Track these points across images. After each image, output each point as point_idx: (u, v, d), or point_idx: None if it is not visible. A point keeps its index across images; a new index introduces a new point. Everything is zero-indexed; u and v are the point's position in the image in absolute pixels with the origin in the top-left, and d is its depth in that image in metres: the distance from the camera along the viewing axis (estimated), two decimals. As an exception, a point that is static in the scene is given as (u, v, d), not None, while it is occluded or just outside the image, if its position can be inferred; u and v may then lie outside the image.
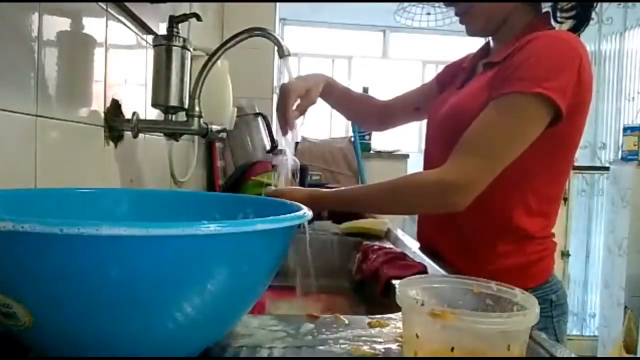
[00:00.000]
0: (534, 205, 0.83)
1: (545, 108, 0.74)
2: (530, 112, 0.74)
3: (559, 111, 0.74)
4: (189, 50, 0.86)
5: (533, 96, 0.73)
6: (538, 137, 0.76)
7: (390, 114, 1.14)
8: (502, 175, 0.75)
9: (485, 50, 0.96)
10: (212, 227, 0.33)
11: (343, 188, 0.87)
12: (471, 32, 0.90)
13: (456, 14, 0.90)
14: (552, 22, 0.87)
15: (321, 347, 0.47)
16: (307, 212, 0.45)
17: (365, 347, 0.48)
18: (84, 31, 0.73)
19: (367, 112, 1.16)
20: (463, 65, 1.00)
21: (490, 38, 0.94)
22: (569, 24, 0.88)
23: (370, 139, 2.44)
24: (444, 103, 0.92)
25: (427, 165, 0.96)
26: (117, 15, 0.83)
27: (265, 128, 1.79)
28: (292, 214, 0.42)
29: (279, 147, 0.95)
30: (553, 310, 0.84)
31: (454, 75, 1.01)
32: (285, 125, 0.91)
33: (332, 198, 0.86)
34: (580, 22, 0.87)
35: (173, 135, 0.92)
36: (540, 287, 0.84)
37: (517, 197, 0.82)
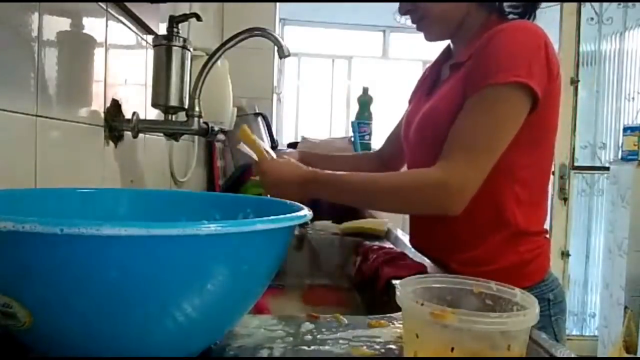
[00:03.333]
0: (522, 195, 0.83)
1: (523, 95, 0.75)
2: (509, 101, 0.76)
3: (535, 97, 0.76)
4: (189, 50, 0.86)
5: (509, 86, 0.75)
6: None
7: (389, 157, 1.12)
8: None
9: (446, 54, 0.97)
10: (212, 227, 0.33)
11: (338, 173, 0.84)
12: (429, 38, 0.92)
13: (412, 22, 0.91)
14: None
15: (321, 347, 0.47)
16: (307, 212, 0.45)
17: (365, 347, 0.48)
18: (84, 31, 0.73)
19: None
20: (426, 74, 1.01)
21: (449, 41, 0.95)
22: (513, 16, 0.89)
23: (370, 139, 2.43)
24: (416, 111, 0.93)
25: None
26: (117, 15, 0.83)
27: (265, 128, 1.79)
28: (292, 214, 0.42)
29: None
30: (551, 309, 0.85)
31: (420, 87, 1.03)
32: None
33: (326, 184, 0.83)
34: (526, 15, 0.88)
35: (173, 135, 0.92)
36: (536, 286, 0.84)
37: (505, 188, 0.82)
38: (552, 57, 0.78)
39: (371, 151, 1.14)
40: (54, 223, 0.30)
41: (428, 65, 1.03)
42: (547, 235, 0.90)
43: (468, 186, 0.75)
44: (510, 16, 0.88)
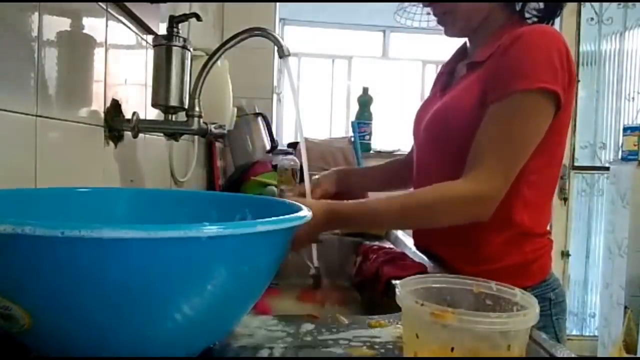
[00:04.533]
0: (530, 197, 0.83)
1: (549, 101, 0.76)
2: (536, 108, 0.76)
3: (559, 102, 0.76)
4: (189, 50, 0.86)
5: (535, 92, 0.75)
6: None
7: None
8: None
9: (462, 52, 0.97)
10: (214, 229, 0.33)
11: (362, 201, 0.81)
12: (450, 33, 0.91)
13: (435, 14, 0.90)
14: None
15: (321, 347, 0.47)
16: (307, 213, 0.45)
17: (365, 347, 0.48)
18: (84, 31, 0.73)
19: (399, 177, 1.10)
20: (440, 72, 1.01)
21: (465, 40, 0.95)
22: (533, 20, 0.89)
23: (370, 139, 2.43)
24: (428, 109, 0.92)
25: (419, 171, 0.96)
26: (117, 15, 0.82)
27: (265, 128, 1.79)
28: (293, 215, 0.42)
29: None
30: (552, 309, 0.85)
31: (433, 85, 1.03)
32: None
33: (353, 214, 0.78)
34: (547, 19, 0.88)
35: (173, 135, 0.92)
36: (538, 286, 0.84)
37: (514, 191, 0.81)
38: (571, 62, 0.78)
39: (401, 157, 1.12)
40: (55, 226, 0.30)
41: (441, 64, 1.02)
42: (550, 236, 0.90)
43: (498, 194, 0.76)
44: (530, 20, 0.88)
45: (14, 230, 0.29)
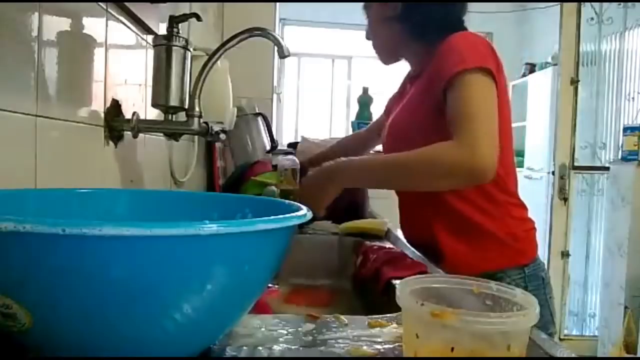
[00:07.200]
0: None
1: (488, 78, 0.83)
2: (483, 83, 0.83)
3: (495, 81, 0.84)
4: (189, 50, 0.86)
5: (477, 70, 0.82)
6: None
7: (373, 138, 1.31)
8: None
9: (410, 73, 1.11)
10: (214, 227, 0.33)
11: (364, 157, 0.94)
12: (381, 60, 1.09)
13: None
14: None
15: (321, 347, 0.47)
16: (307, 212, 0.45)
17: (365, 347, 0.48)
18: (84, 31, 0.73)
19: (359, 149, 1.31)
20: (400, 86, 1.16)
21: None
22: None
23: (370, 139, 2.43)
24: (393, 111, 1.07)
25: None
26: (117, 15, 0.82)
27: (265, 128, 1.79)
28: (293, 214, 0.42)
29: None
30: (545, 287, 0.91)
31: (394, 101, 1.16)
32: None
33: (353, 167, 0.89)
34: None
35: (173, 135, 0.92)
36: (532, 264, 0.90)
37: None
38: (496, 53, 0.87)
39: (362, 133, 1.39)
40: (56, 223, 0.30)
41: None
42: (530, 216, 0.96)
43: (490, 152, 0.77)
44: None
45: (15, 228, 0.29)
